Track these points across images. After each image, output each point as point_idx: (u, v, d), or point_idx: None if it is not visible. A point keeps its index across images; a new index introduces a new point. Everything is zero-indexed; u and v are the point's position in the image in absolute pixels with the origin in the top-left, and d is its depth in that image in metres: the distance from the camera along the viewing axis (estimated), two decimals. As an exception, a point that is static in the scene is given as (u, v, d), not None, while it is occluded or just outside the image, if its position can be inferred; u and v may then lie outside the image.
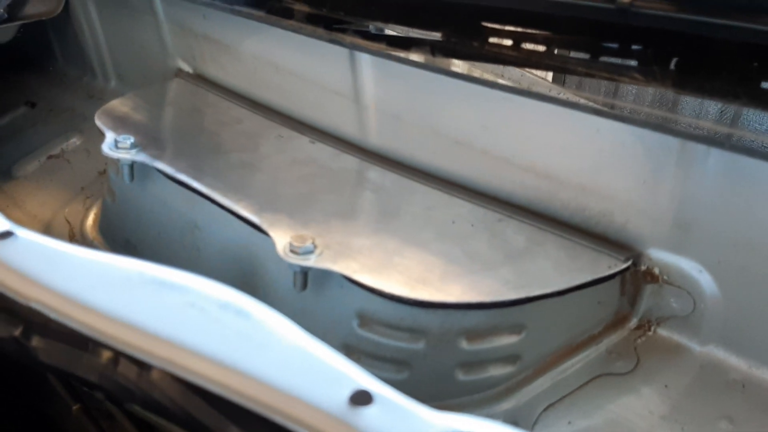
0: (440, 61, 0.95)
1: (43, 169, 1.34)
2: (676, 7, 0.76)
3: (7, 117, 1.51)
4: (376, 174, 1.03)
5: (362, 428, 0.42)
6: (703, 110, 0.82)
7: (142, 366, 0.54)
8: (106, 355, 0.57)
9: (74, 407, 1.01)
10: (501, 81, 0.95)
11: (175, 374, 0.50)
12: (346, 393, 0.45)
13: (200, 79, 1.31)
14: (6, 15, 1.39)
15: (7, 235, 0.59)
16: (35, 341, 0.62)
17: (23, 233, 0.60)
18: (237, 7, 1.08)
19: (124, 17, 1.40)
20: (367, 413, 0.43)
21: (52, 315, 0.53)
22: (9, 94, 1.57)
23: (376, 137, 1.08)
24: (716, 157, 0.77)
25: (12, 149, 1.40)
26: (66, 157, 1.37)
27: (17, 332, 0.62)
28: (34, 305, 0.53)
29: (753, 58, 0.74)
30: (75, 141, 1.41)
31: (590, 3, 0.81)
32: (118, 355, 0.56)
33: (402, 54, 0.95)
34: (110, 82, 1.54)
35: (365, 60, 1.01)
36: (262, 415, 0.45)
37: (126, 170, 1.03)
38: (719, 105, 0.78)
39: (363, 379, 0.46)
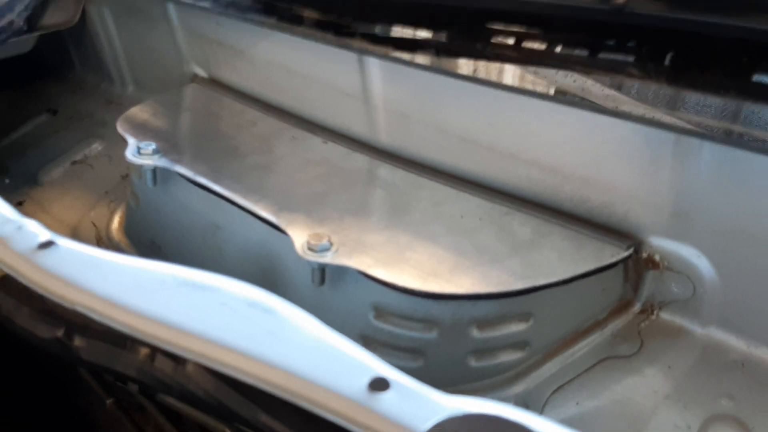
0: (445, 62, 0.99)
1: (67, 175, 1.40)
2: (667, 7, 0.79)
3: (30, 124, 1.57)
4: (386, 172, 1.08)
5: (381, 412, 0.47)
6: (701, 106, 0.85)
7: (178, 360, 0.59)
8: (144, 351, 0.62)
9: (108, 401, 1.07)
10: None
11: (209, 367, 0.55)
12: (365, 380, 0.49)
13: (215, 83, 1.36)
14: (26, 26, 1.44)
15: (48, 244, 0.64)
16: (77, 341, 0.68)
17: (63, 242, 0.65)
18: (249, 15, 1.12)
19: (140, 25, 1.44)
20: (385, 398, 0.48)
21: (95, 316, 0.58)
22: (31, 102, 1.63)
23: (385, 136, 1.12)
24: (709, 149, 0.81)
25: (37, 156, 1.46)
26: (89, 163, 1.42)
27: (60, 333, 0.68)
28: (78, 308, 0.58)
29: (742, 54, 0.77)
30: (97, 146, 1.46)
31: (586, 4, 0.85)
32: (155, 351, 0.61)
33: (408, 56, 1.00)
34: (128, 88, 1.59)
35: (373, 63, 1.05)
36: (289, 401, 0.50)
37: (149, 175, 1.08)
38: (717, 101, 0.81)
39: (380, 367, 0.50)
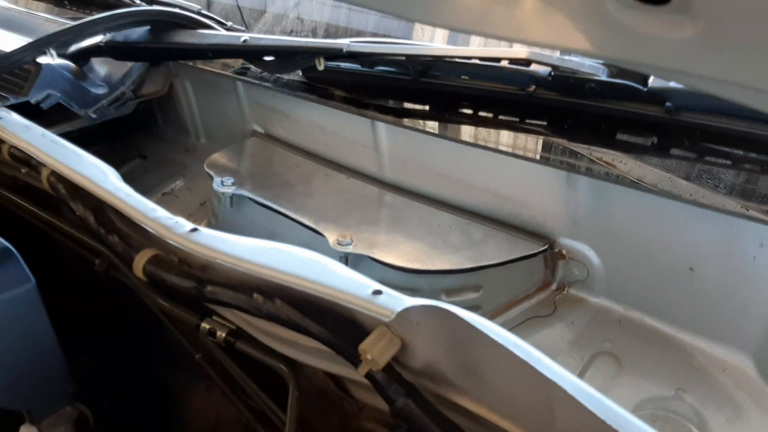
0: (428, 125, 1.48)
1: (159, 203, 1.83)
2: (558, 94, 1.27)
3: (127, 167, 2.01)
4: (389, 197, 1.55)
5: (378, 303, 0.91)
6: (583, 153, 1.30)
7: (268, 296, 1.04)
8: (246, 291, 1.08)
9: (197, 356, 1.51)
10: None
11: (287, 288, 0.98)
12: (370, 291, 0.93)
13: (269, 137, 1.79)
14: (132, 96, 1.95)
15: (195, 230, 1.11)
16: (206, 288, 1.13)
17: (202, 229, 1.13)
18: (297, 92, 1.62)
19: (214, 95, 1.89)
20: (380, 298, 0.92)
21: (227, 265, 1.03)
22: (126, 149, 2.07)
23: (389, 174, 1.58)
24: (587, 182, 1.25)
25: (135, 190, 1.94)
26: (175, 194, 1.87)
27: (193, 285, 1.14)
28: (217, 261, 1.04)
29: (604, 122, 1.25)
30: (179, 183, 1.89)
31: (513, 90, 1.34)
32: (253, 290, 1.06)
33: (403, 121, 1.49)
34: (201, 140, 2.02)
35: (381, 125, 1.51)
36: (323, 300, 0.92)
37: (228, 200, 1.57)
38: (593, 150, 1.27)
39: (378, 285, 0.96)
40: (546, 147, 1.33)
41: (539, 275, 1.38)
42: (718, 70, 0.65)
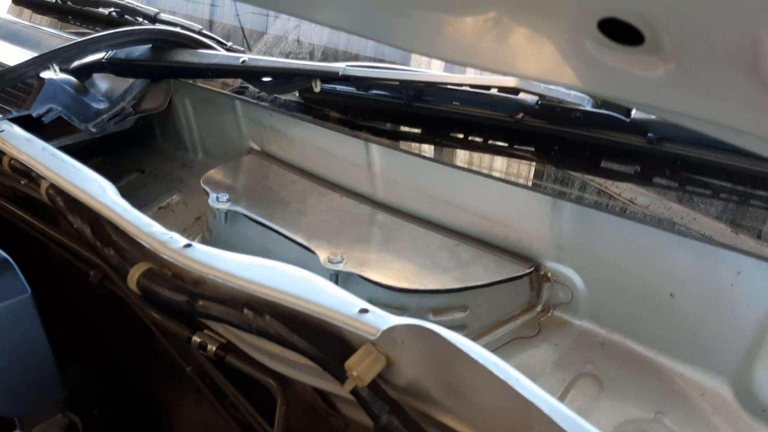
0: (419, 148, 1.52)
1: (155, 217, 1.85)
2: (545, 121, 1.31)
3: (125, 180, 2.04)
4: (381, 217, 1.59)
5: (364, 321, 0.95)
6: (567, 179, 1.34)
7: (257, 312, 1.07)
8: (236, 306, 1.11)
9: (187, 368, 1.53)
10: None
11: (275, 305, 1.02)
12: (357, 309, 0.96)
13: (266, 155, 1.83)
14: (132, 111, 1.99)
15: (189, 246, 1.14)
16: (197, 302, 1.16)
17: (195, 245, 1.16)
18: (294, 113, 1.66)
19: (213, 112, 1.92)
20: (366, 316, 0.96)
21: (217, 281, 1.07)
22: (125, 163, 2.11)
23: (381, 194, 1.62)
24: (571, 208, 1.29)
25: (131, 203, 1.96)
26: (171, 208, 1.90)
27: (186, 298, 1.17)
28: (209, 276, 1.07)
29: (589, 150, 1.29)
30: (176, 197, 1.91)
31: (502, 117, 1.37)
32: (243, 306, 1.10)
33: (396, 143, 1.53)
34: (198, 156, 2.06)
35: (374, 147, 1.55)
36: (312, 317, 0.96)
37: (222, 216, 1.60)
38: (578, 176, 1.31)
39: (364, 304, 0.99)
40: (538, 174, 1.37)
41: (525, 297, 1.41)
42: (687, 106, 0.69)
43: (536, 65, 0.75)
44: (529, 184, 1.38)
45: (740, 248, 1.12)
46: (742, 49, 0.58)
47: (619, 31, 0.63)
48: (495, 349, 1.36)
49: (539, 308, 1.42)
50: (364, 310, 0.94)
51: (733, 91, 0.63)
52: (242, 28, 2.28)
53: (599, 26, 0.63)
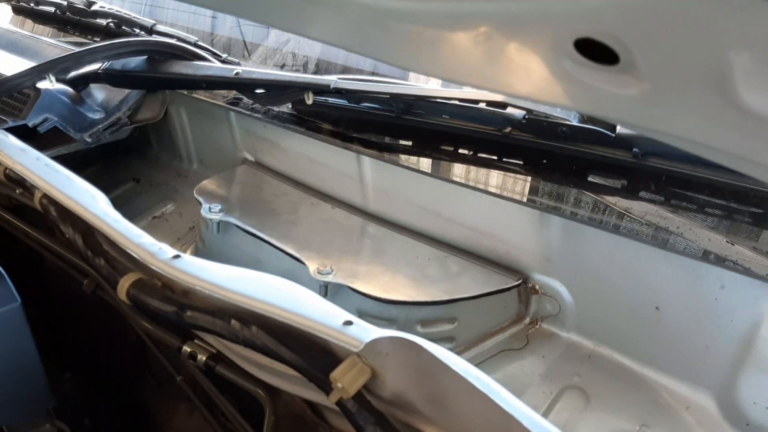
0: (410, 160, 1.54)
1: (149, 226, 1.89)
2: (533, 135, 1.33)
3: (120, 189, 2.05)
4: (372, 228, 1.60)
5: (348, 334, 0.96)
6: (555, 194, 1.36)
7: (245, 323, 1.08)
8: (224, 317, 1.12)
9: (178, 378, 1.54)
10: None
11: (262, 316, 1.03)
12: (341, 321, 0.97)
13: (259, 165, 1.84)
14: (128, 121, 2.00)
15: (177, 257, 1.15)
16: (185, 313, 1.17)
17: (184, 256, 1.17)
18: (287, 124, 1.67)
19: (208, 123, 1.95)
20: (350, 329, 0.97)
21: (205, 292, 1.08)
22: (120, 172, 2.13)
23: (372, 205, 1.63)
24: (558, 222, 1.31)
25: (126, 212, 1.95)
26: (165, 218, 1.91)
27: (174, 309, 1.18)
28: (197, 287, 1.08)
29: (576, 164, 1.30)
30: (170, 207, 1.92)
31: (491, 130, 1.39)
32: (231, 317, 1.11)
33: (386, 155, 1.54)
34: (193, 165, 2.08)
35: (365, 159, 1.56)
36: (299, 329, 0.97)
37: (215, 226, 1.61)
38: (564, 190, 1.33)
39: (349, 316, 1.00)
40: (533, 190, 1.38)
41: (513, 309, 1.42)
42: (663, 124, 0.71)
43: (519, 83, 0.77)
44: (524, 199, 1.39)
45: (725, 261, 1.13)
46: (712, 70, 0.59)
47: (596, 51, 0.65)
48: (483, 360, 1.37)
49: (527, 320, 1.43)
50: (348, 322, 0.95)
51: (706, 111, 0.65)
52: (245, 42, 2.31)
53: (576, 46, 0.65)
